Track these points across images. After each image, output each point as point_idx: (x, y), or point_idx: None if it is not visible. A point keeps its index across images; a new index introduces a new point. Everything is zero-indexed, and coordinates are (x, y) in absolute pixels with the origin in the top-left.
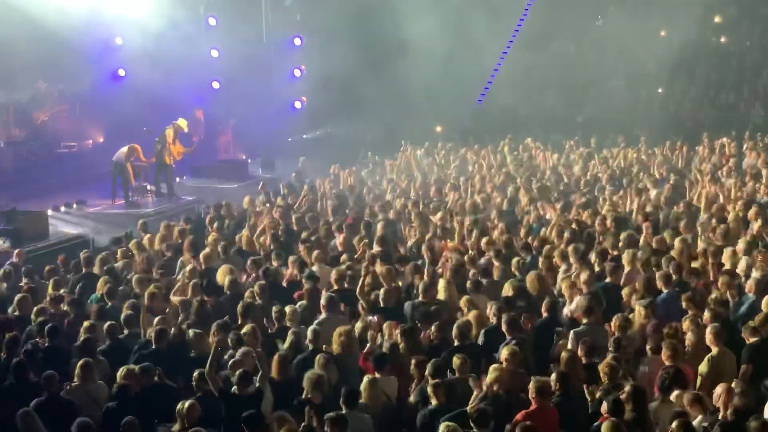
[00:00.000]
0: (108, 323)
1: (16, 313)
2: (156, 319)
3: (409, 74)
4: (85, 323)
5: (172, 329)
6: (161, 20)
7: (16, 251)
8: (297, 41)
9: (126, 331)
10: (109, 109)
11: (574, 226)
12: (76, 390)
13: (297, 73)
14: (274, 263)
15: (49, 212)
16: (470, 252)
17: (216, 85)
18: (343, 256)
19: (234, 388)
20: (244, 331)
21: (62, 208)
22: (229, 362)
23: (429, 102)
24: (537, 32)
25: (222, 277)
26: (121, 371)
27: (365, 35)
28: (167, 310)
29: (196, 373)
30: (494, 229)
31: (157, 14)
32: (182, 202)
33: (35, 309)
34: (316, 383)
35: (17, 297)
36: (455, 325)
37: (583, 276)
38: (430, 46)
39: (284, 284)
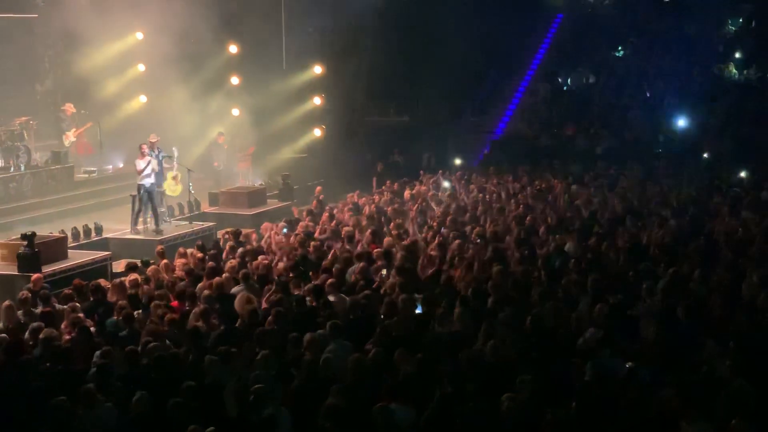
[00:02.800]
0: (128, 348)
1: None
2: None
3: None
4: (102, 349)
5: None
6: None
7: (33, 276)
8: (317, 69)
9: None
10: (134, 134)
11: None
12: (84, 416)
13: (317, 101)
14: (292, 291)
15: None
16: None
17: (236, 111)
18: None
19: (247, 414)
20: (258, 358)
21: (81, 233)
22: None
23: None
24: (557, 62)
25: (240, 305)
26: (137, 396)
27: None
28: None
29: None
30: (512, 259)
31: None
32: (200, 228)
33: (49, 334)
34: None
35: (32, 324)
36: (467, 356)
37: (598, 307)
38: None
39: (301, 312)
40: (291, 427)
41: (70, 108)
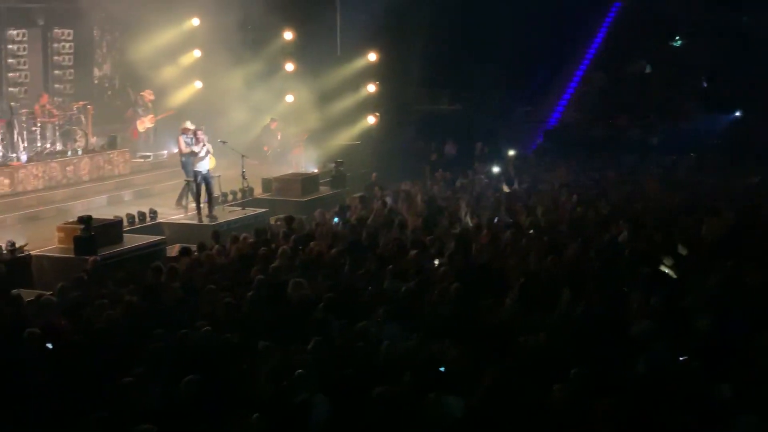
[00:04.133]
0: (180, 332)
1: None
2: None
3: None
4: (155, 331)
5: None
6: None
7: (90, 258)
8: (372, 56)
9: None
10: (189, 120)
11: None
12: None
13: (371, 88)
14: (344, 278)
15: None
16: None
17: (290, 98)
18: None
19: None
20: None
21: (136, 217)
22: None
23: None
24: (611, 51)
25: (292, 291)
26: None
27: None
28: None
29: None
30: (565, 249)
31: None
32: (252, 214)
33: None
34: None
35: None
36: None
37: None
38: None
39: (353, 299)
40: (330, 415)
41: (148, 95)
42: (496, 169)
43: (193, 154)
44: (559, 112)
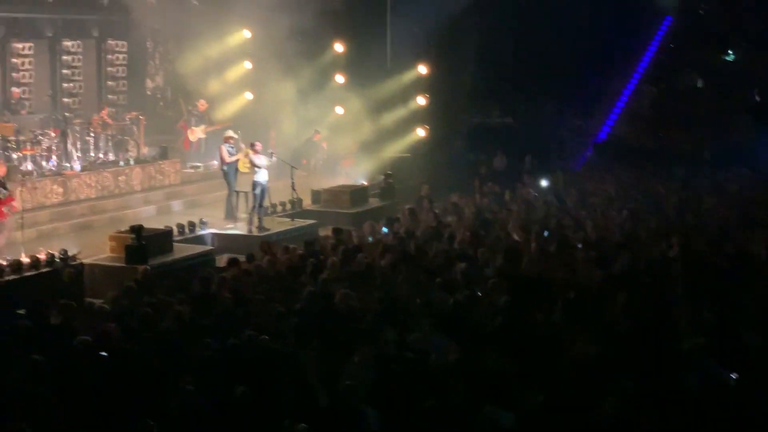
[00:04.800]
0: (230, 341)
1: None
2: None
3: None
4: (204, 340)
5: None
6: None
7: (141, 268)
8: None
9: None
10: (239, 131)
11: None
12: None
13: (421, 101)
14: (393, 290)
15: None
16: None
17: (340, 110)
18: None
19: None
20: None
21: (186, 227)
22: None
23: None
24: (663, 65)
25: (341, 302)
26: (238, 389)
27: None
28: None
29: None
30: (614, 263)
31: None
32: (301, 226)
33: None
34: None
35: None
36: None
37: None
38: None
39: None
40: (378, 427)
41: (202, 105)
42: (545, 183)
43: (252, 164)
44: (609, 125)
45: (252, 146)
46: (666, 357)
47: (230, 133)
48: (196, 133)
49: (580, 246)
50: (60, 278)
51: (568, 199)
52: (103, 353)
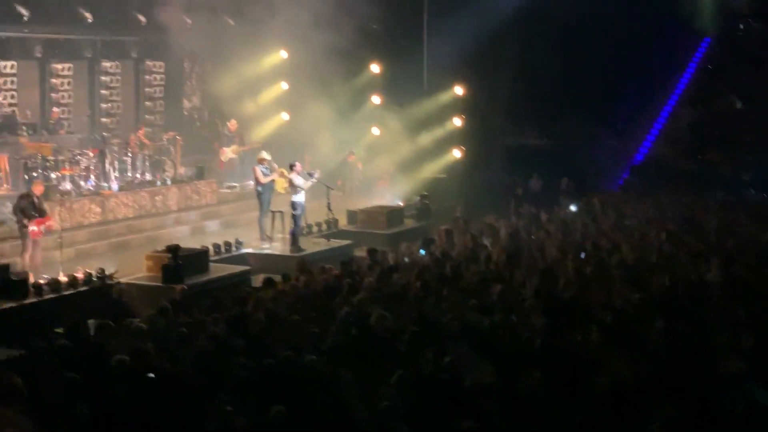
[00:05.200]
0: (265, 361)
1: None
2: None
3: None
4: (239, 361)
5: None
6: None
7: (177, 287)
8: (458, 90)
9: None
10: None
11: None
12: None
13: (457, 122)
14: (428, 311)
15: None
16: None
17: (376, 130)
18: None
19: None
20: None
21: (222, 247)
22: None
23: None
24: (701, 86)
25: (376, 322)
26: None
27: None
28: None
29: None
30: (652, 285)
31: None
32: (337, 246)
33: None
34: None
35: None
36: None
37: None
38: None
39: (437, 331)
40: None
41: (233, 125)
42: (580, 205)
43: (291, 185)
44: (647, 147)
45: (291, 167)
46: (705, 381)
47: (263, 155)
48: (227, 153)
49: (617, 268)
50: (102, 297)
51: (605, 220)
52: (141, 372)
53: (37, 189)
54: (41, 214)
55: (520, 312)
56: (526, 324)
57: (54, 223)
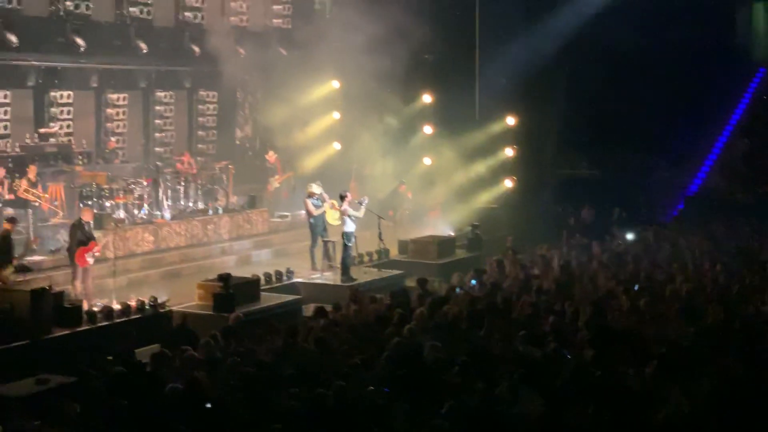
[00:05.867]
0: (317, 391)
1: None
2: None
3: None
4: (290, 390)
5: None
6: None
7: (231, 316)
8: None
9: None
10: (327, 181)
11: None
12: None
13: (509, 152)
14: (481, 341)
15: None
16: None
17: (428, 160)
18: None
19: None
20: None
21: (273, 276)
22: None
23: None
24: (756, 117)
25: (428, 353)
26: None
27: None
28: None
29: None
30: (707, 318)
31: None
32: (388, 276)
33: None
34: None
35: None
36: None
37: None
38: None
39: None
40: None
41: (272, 156)
42: (633, 235)
43: (343, 215)
44: (701, 178)
45: (342, 198)
46: (762, 417)
47: (313, 188)
48: (273, 184)
49: (671, 300)
50: (154, 324)
51: (659, 252)
52: (194, 401)
53: (86, 215)
54: (89, 240)
55: (572, 344)
56: (578, 356)
57: (100, 249)
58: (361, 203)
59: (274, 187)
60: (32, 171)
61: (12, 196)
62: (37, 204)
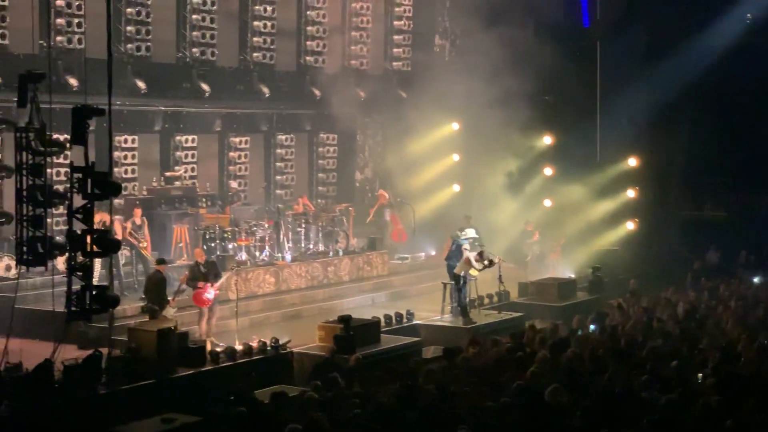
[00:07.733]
0: None
1: None
2: None
3: None
4: None
5: None
6: None
7: (352, 357)
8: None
9: None
10: (447, 223)
11: None
12: None
13: (631, 193)
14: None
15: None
16: None
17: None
18: None
19: None
20: None
21: (393, 318)
22: None
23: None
24: None
25: (550, 397)
26: None
27: None
28: None
29: None
30: None
31: None
32: (509, 318)
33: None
34: None
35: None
36: None
37: None
38: None
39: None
40: None
41: (383, 195)
42: (761, 279)
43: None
44: None
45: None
46: None
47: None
48: (386, 218)
49: None
50: (276, 365)
51: None
52: None
53: (199, 256)
54: (205, 280)
55: (698, 389)
56: (705, 402)
57: (217, 287)
58: (492, 262)
59: (391, 228)
60: (137, 214)
61: (134, 240)
62: (140, 246)
